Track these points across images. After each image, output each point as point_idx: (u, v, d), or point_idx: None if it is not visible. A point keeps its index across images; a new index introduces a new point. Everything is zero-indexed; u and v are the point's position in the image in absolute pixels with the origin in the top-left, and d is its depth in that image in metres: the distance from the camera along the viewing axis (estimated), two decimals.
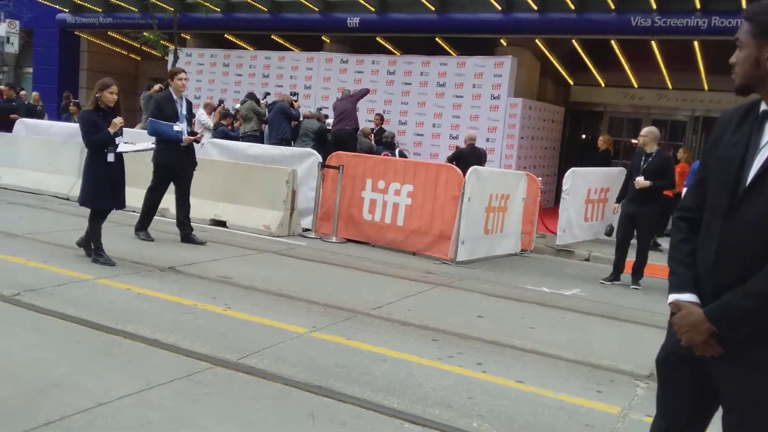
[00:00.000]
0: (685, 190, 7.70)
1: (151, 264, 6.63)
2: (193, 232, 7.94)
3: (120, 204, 6.57)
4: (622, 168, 10.82)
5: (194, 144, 7.89)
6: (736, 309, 1.92)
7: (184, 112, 7.67)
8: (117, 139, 6.36)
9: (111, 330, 4.55)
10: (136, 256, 6.82)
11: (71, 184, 10.72)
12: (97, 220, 6.46)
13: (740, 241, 1.94)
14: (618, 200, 8.23)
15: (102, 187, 6.37)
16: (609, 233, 8.66)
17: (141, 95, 14.09)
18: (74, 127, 12.06)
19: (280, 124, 12.46)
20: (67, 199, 10.43)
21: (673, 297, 2.07)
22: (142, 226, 7.81)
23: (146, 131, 7.99)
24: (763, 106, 2.00)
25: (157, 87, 13.23)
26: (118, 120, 6.34)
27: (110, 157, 6.35)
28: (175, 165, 7.67)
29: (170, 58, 16.19)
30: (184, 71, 7.84)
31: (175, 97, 7.64)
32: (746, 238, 1.93)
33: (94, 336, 4.44)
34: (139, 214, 7.89)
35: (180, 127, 7.54)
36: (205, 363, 4.10)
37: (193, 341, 4.47)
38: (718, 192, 2.01)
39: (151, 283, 5.93)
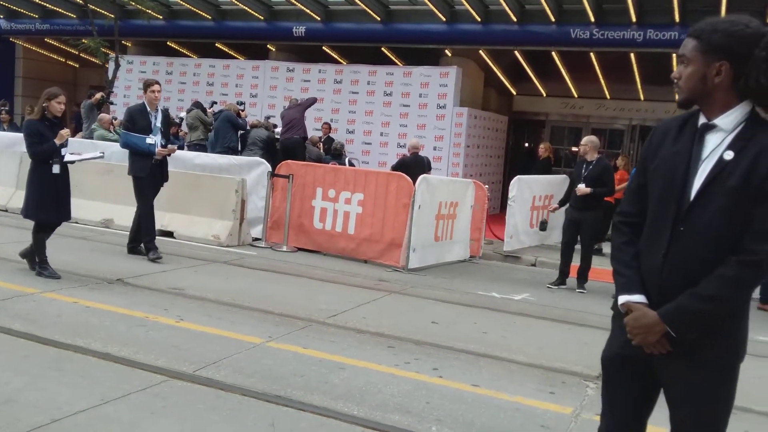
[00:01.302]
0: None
1: (98, 276, 6.47)
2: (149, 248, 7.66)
3: (65, 216, 6.39)
4: (565, 176, 11.14)
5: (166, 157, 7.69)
6: (689, 311, 2.01)
7: (159, 124, 7.45)
8: (63, 150, 6.20)
9: (61, 344, 4.43)
10: (82, 269, 6.65)
11: (10, 194, 10.35)
12: (41, 232, 6.28)
13: (689, 248, 2.03)
14: (560, 203, 8.49)
15: (47, 199, 6.19)
16: (543, 228, 9.00)
17: (81, 104, 13.70)
18: (12, 136, 11.69)
19: (226, 133, 12.32)
20: (6, 211, 10.07)
21: (624, 298, 2.14)
22: (147, 248, 7.54)
23: (94, 142, 7.78)
24: (702, 119, 2.10)
25: (98, 95, 12.89)
26: (65, 131, 6.19)
27: (55, 169, 6.18)
28: (147, 176, 7.48)
29: (111, 65, 15.82)
30: (157, 83, 7.58)
31: (149, 109, 7.46)
32: (695, 245, 2.03)
33: (44, 351, 4.32)
34: (129, 233, 7.81)
35: (153, 139, 7.33)
36: (160, 376, 4.04)
37: (147, 354, 4.39)
38: (664, 201, 2.10)
39: (100, 296, 5.79)
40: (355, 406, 3.84)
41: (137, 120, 7.45)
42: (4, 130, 14.17)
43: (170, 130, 8.03)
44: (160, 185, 7.74)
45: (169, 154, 7.69)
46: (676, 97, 2.15)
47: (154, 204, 7.68)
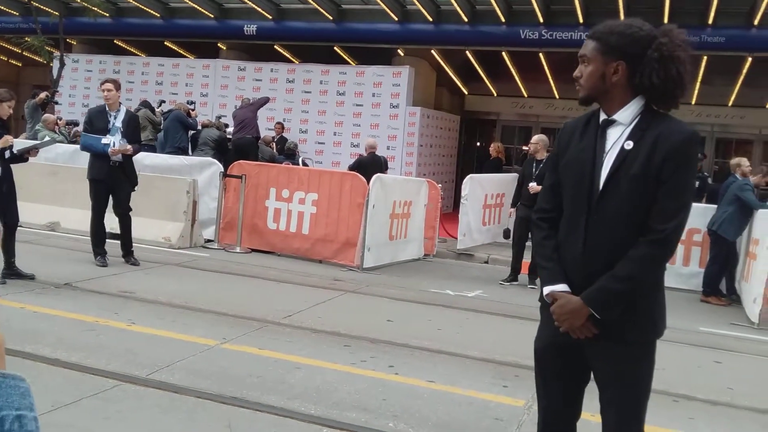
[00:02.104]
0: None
1: (45, 281, 6.31)
2: (131, 256, 7.52)
3: (9, 219, 6.20)
4: (516, 174, 11.32)
5: (130, 157, 7.34)
6: (609, 292, 2.16)
7: (119, 124, 7.15)
8: (6, 153, 6.02)
9: (8, 351, 4.24)
10: (27, 273, 6.46)
11: None
12: None
13: (604, 235, 2.19)
14: (512, 205, 8.61)
15: None
16: (507, 236, 9.06)
17: (25, 104, 13.30)
18: None
19: (176, 132, 12.12)
20: None
21: (548, 289, 2.26)
22: (96, 252, 7.29)
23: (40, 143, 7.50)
24: (602, 116, 2.27)
25: (43, 95, 12.53)
26: (9, 137, 6.01)
27: None
28: (104, 179, 7.20)
29: (55, 64, 15.40)
30: (107, 81, 7.27)
31: (108, 109, 7.23)
32: (609, 231, 2.19)
33: None
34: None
35: (109, 140, 7.07)
36: (113, 380, 3.97)
37: (97, 359, 4.32)
38: (577, 192, 2.25)
39: (47, 301, 5.65)
40: (312, 405, 3.85)
41: (95, 121, 7.27)
42: None
43: (137, 132, 7.59)
44: (126, 190, 7.39)
45: (131, 154, 7.31)
46: (578, 94, 2.31)
47: (129, 211, 7.49)
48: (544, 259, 2.33)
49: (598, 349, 2.23)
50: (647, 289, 2.21)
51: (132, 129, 7.36)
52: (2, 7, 17.40)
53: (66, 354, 4.35)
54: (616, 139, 2.21)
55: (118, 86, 7.28)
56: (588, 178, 2.21)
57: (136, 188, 7.51)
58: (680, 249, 8.73)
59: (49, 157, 9.90)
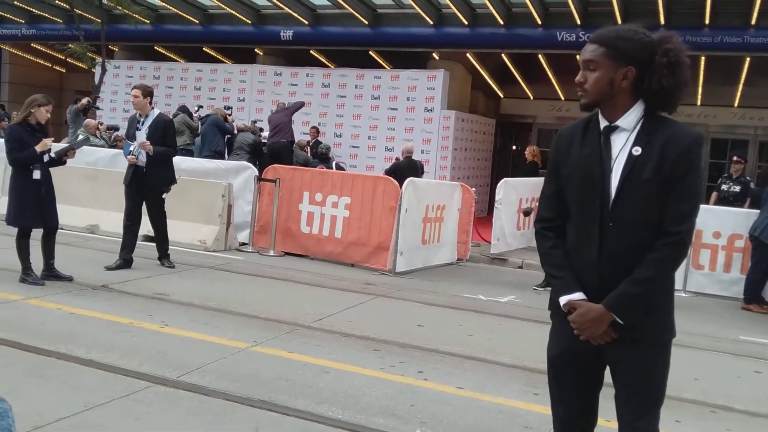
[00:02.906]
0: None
1: (83, 283, 6.45)
2: (166, 259, 7.59)
3: (48, 222, 6.34)
4: None
5: (155, 161, 7.22)
6: (631, 296, 2.17)
7: (144, 129, 7.21)
8: (45, 156, 6.17)
9: (44, 351, 4.41)
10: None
11: None
12: (24, 239, 6.25)
13: (621, 239, 2.19)
14: None
15: (28, 205, 6.17)
16: (527, 213, 8.99)
17: (67, 109, 13.64)
18: None
19: (213, 137, 12.32)
20: None
21: (565, 298, 2.25)
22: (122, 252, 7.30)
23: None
24: (602, 122, 2.26)
25: (84, 101, 12.85)
26: (48, 141, 6.16)
27: (36, 174, 6.16)
28: (131, 183, 7.27)
29: (97, 70, 15.76)
30: (134, 88, 7.41)
31: (138, 115, 7.36)
32: (626, 236, 2.19)
33: (27, 358, 4.30)
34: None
35: (133, 145, 7.21)
36: (144, 382, 4.03)
37: (130, 360, 4.38)
38: (586, 201, 2.24)
39: (84, 302, 5.77)
40: (340, 409, 3.85)
41: (129, 128, 7.55)
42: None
43: (169, 136, 7.46)
44: (158, 188, 7.37)
45: (146, 149, 7.15)
46: (580, 100, 2.28)
47: (160, 214, 7.49)
48: (555, 269, 2.32)
49: (618, 352, 2.24)
50: (663, 290, 2.24)
51: (159, 134, 7.26)
52: (47, 15, 17.92)
53: (100, 355, 4.43)
54: (623, 145, 2.22)
55: (146, 93, 7.31)
56: (599, 185, 2.21)
57: (166, 191, 7.47)
58: (721, 255, 8.51)
59: (89, 161, 10.13)
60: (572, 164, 2.28)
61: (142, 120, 7.33)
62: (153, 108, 7.47)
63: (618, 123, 2.23)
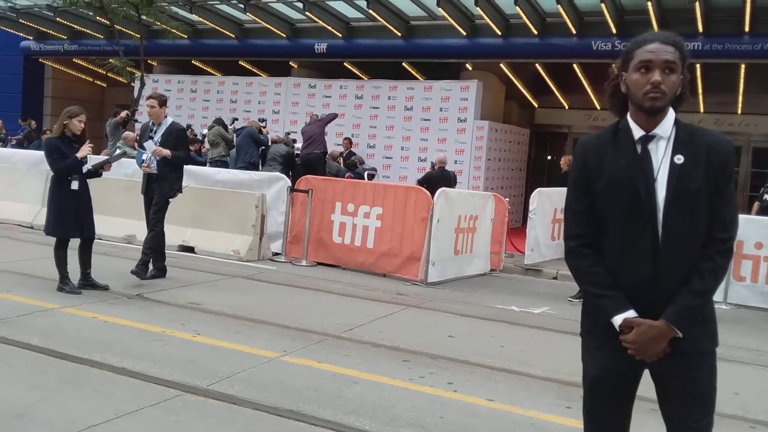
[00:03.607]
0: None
1: (119, 292, 6.55)
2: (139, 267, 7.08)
3: (86, 232, 6.47)
4: None
5: (167, 166, 7.17)
6: (692, 309, 2.13)
7: (157, 138, 7.23)
8: (83, 167, 6.31)
9: (77, 359, 4.48)
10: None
11: (35, 212, 10.55)
12: (61, 249, 6.38)
13: (676, 251, 2.13)
14: None
15: (66, 215, 6.30)
16: None
17: (107, 122, 13.96)
18: (37, 154, 11.91)
19: (248, 148, 12.48)
20: (31, 228, 10.25)
21: (621, 317, 2.15)
22: (153, 262, 7.35)
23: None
24: (637, 130, 2.18)
25: (123, 114, 13.13)
26: (86, 147, 6.29)
27: (74, 185, 6.29)
28: (144, 192, 7.37)
29: (137, 84, 16.09)
30: (150, 97, 7.45)
31: (152, 124, 7.41)
32: (680, 247, 2.13)
33: (60, 366, 4.37)
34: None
35: (146, 154, 7.23)
36: (174, 390, 4.06)
37: (162, 368, 4.42)
38: (633, 213, 2.15)
39: (119, 311, 5.86)
40: (368, 420, 3.81)
41: (142, 135, 7.57)
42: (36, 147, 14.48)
43: (181, 144, 7.42)
44: (153, 199, 7.27)
45: (161, 155, 7.07)
46: (655, 103, 2.16)
47: (156, 221, 7.27)
48: (599, 287, 2.21)
49: (666, 365, 2.17)
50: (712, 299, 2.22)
51: (172, 141, 7.21)
52: (88, 31, 18.39)
53: (132, 363, 4.47)
54: (663, 154, 2.17)
55: (161, 102, 7.32)
56: (646, 197, 2.13)
57: (172, 197, 7.32)
58: (764, 267, 8.26)
59: (127, 172, 10.31)
60: (608, 177, 2.19)
61: (155, 128, 7.34)
62: (166, 116, 7.45)
63: (657, 131, 2.17)
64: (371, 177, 13.18)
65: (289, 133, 14.09)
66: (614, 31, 13.01)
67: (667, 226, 2.12)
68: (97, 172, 6.50)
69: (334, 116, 13.28)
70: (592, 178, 2.23)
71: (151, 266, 7.29)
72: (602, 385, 2.28)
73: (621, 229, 2.19)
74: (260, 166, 12.46)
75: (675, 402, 2.21)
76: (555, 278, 9.77)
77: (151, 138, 7.25)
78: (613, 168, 2.19)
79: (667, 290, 2.13)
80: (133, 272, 6.93)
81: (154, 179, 7.24)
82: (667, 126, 2.18)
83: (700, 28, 12.35)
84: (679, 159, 2.14)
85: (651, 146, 2.18)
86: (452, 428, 3.80)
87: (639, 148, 2.18)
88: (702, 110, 15.73)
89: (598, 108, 17.39)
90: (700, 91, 14.95)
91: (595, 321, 2.27)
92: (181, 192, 7.48)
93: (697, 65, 13.50)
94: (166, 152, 7.11)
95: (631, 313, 2.15)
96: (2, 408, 3.60)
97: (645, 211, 2.13)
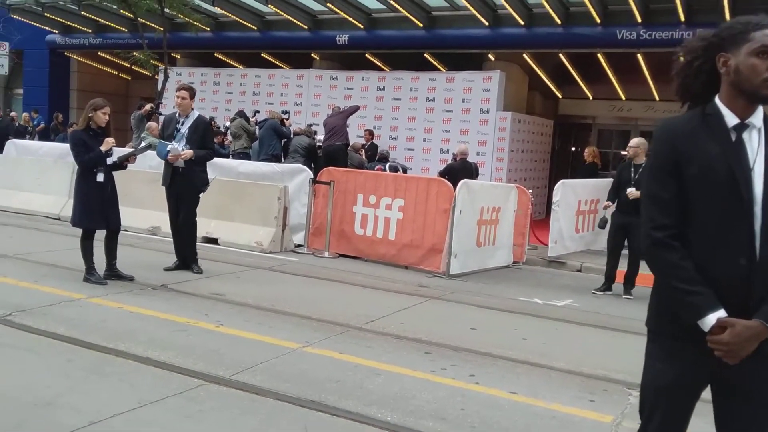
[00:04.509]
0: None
1: (144, 282, 6.62)
2: (195, 264, 7.39)
3: (111, 223, 6.53)
4: (612, 179, 10.89)
5: (194, 163, 7.15)
6: None
7: (184, 130, 7.17)
8: (108, 160, 6.37)
9: (103, 349, 4.54)
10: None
11: (62, 204, 10.70)
12: (87, 240, 6.46)
13: None
14: (609, 198, 8.11)
15: (92, 207, 6.36)
16: (602, 225, 8.63)
17: (131, 115, 14.09)
18: (64, 147, 12.07)
19: (271, 140, 12.52)
20: (58, 219, 10.41)
21: (713, 316, 2.01)
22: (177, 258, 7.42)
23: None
24: (731, 118, 2.08)
25: (148, 107, 13.24)
26: (110, 140, 6.35)
27: (99, 177, 6.36)
28: (170, 185, 7.28)
29: (160, 77, 16.23)
30: (182, 89, 7.34)
31: (178, 115, 7.34)
32: None
33: (86, 355, 4.43)
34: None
35: (173, 146, 7.17)
36: (197, 380, 4.09)
37: (185, 358, 4.46)
38: (728, 203, 2.03)
39: (143, 301, 5.92)
40: (389, 412, 3.81)
41: (166, 127, 7.49)
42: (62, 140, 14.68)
43: (207, 137, 7.39)
44: (189, 198, 7.29)
45: (191, 160, 7.09)
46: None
47: (191, 217, 7.34)
48: (689, 283, 2.03)
49: (747, 368, 2.04)
50: None
51: (199, 135, 7.18)
52: (113, 25, 18.57)
53: (156, 353, 4.52)
54: (758, 144, 2.06)
55: (192, 94, 7.31)
56: (745, 187, 2.02)
57: (203, 191, 7.38)
58: None
59: (152, 164, 10.39)
60: (701, 164, 2.05)
61: (182, 120, 7.26)
62: (193, 109, 7.38)
63: (751, 120, 2.08)
64: (394, 170, 13.16)
65: (311, 125, 14.11)
66: (639, 20, 12.82)
67: (765, 220, 2.01)
68: (122, 164, 6.56)
69: (356, 108, 13.27)
70: (683, 164, 2.09)
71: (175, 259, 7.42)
72: (674, 393, 2.15)
73: (713, 221, 2.06)
74: (282, 159, 12.49)
75: (752, 407, 2.09)
76: (579, 270, 9.68)
77: (177, 130, 7.22)
78: (706, 155, 2.07)
79: (761, 288, 2.00)
80: (195, 272, 7.27)
81: (180, 173, 7.19)
82: (759, 115, 2.08)
83: (727, 17, 12.10)
84: None
85: (744, 135, 2.08)
86: (474, 420, 3.78)
87: (733, 136, 2.07)
88: None
89: (624, 98, 17.19)
90: None
91: (675, 321, 2.11)
92: (208, 185, 7.47)
93: None
94: (188, 154, 7.08)
95: (722, 312, 2.01)
96: (32, 396, 3.66)
97: (743, 202, 2.02)
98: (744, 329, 1.97)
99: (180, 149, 7.11)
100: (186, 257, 7.40)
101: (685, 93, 2.21)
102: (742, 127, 2.07)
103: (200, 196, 7.40)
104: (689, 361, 2.10)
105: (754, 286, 2.00)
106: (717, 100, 2.13)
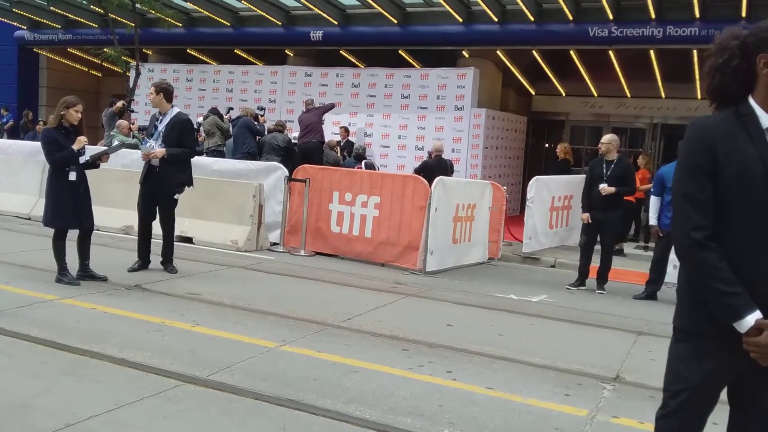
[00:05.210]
0: (653, 198, 7.73)
1: (117, 283, 6.55)
2: (169, 264, 7.30)
3: (84, 223, 6.45)
4: (584, 176, 11.01)
5: (170, 161, 7.00)
6: None
7: (161, 128, 7.07)
8: (80, 158, 6.29)
9: (77, 350, 4.49)
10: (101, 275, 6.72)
11: (32, 203, 10.53)
12: (60, 240, 6.37)
13: None
14: (584, 209, 8.01)
15: (64, 206, 6.27)
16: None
17: (103, 112, 13.89)
18: (34, 145, 11.86)
19: (245, 138, 12.41)
20: (29, 219, 10.24)
21: (752, 317, 2.01)
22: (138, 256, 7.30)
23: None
24: (766, 120, 2.09)
25: (120, 104, 13.06)
26: (82, 138, 6.27)
27: (72, 176, 6.27)
28: (144, 182, 7.16)
29: (132, 73, 16.02)
30: (152, 86, 7.29)
31: (158, 113, 7.24)
32: None
33: (60, 357, 4.38)
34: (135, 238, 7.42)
35: (148, 143, 7.09)
36: (174, 380, 4.07)
37: (161, 359, 4.43)
38: (764, 204, 2.05)
39: (117, 302, 5.86)
40: (367, 409, 3.83)
41: (148, 126, 7.49)
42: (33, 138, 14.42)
43: (185, 136, 7.17)
44: (164, 195, 7.16)
45: (164, 158, 6.97)
46: None
47: (168, 218, 7.24)
48: (728, 284, 2.04)
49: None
50: None
51: (175, 133, 7.04)
52: (83, 20, 18.28)
53: (132, 354, 4.48)
54: None
55: (158, 90, 7.13)
56: None
57: (178, 193, 7.21)
58: None
59: (124, 162, 10.29)
60: (741, 164, 2.06)
61: (160, 118, 7.16)
62: (173, 106, 7.23)
63: None
64: (369, 167, 13.16)
65: (279, 122, 13.96)
66: (611, 17, 12.97)
67: None
68: (94, 163, 6.48)
69: (332, 106, 13.25)
70: (721, 165, 2.08)
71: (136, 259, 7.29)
72: (707, 391, 2.17)
73: (749, 223, 2.07)
74: (258, 157, 12.41)
75: (756, 412, 2.15)
76: (553, 266, 9.80)
77: (156, 128, 7.15)
78: (743, 156, 2.07)
79: None
80: (170, 271, 7.20)
81: (155, 173, 7.08)
82: None
83: (697, 14, 12.31)
84: None
85: None
86: (451, 416, 3.82)
87: None
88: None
89: (596, 95, 17.39)
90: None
91: (709, 321, 2.11)
92: (190, 185, 7.31)
93: (694, 51, 13.47)
94: (159, 152, 6.95)
95: (759, 314, 2.01)
96: (7, 398, 3.61)
97: None
98: None
99: (155, 147, 7.01)
100: (163, 256, 7.31)
101: (720, 93, 2.19)
102: None
103: (177, 197, 7.22)
104: (719, 362, 2.11)
105: None
106: (751, 100, 2.13)
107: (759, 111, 2.10)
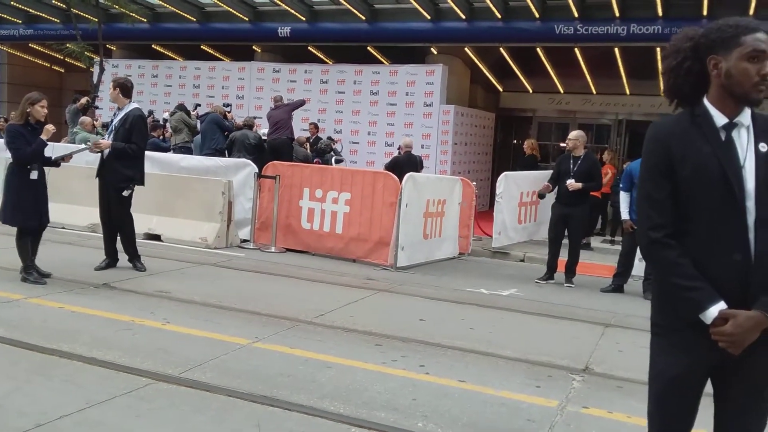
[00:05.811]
0: (622, 194, 7.82)
1: (84, 281, 6.45)
2: (137, 261, 7.19)
3: (45, 220, 6.37)
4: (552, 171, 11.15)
5: (114, 156, 6.87)
6: None
7: (116, 122, 7.01)
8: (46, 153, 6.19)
9: (46, 350, 4.41)
10: (68, 274, 6.61)
11: None
12: (24, 238, 6.25)
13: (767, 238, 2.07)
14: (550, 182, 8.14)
15: (26, 204, 6.17)
16: (542, 196, 8.73)
17: (66, 108, 13.63)
18: None
19: (213, 134, 12.30)
20: None
21: (715, 309, 2.06)
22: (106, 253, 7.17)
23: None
24: (720, 118, 2.14)
25: (83, 100, 12.83)
26: (50, 126, 6.16)
27: (33, 175, 6.17)
28: (98, 176, 7.12)
29: (96, 69, 15.74)
30: (112, 81, 7.23)
31: (117, 108, 7.17)
32: None
33: (29, 356, 4.30)
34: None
35: (101, 138, 7.10)
36: (146, 379, 4.03)
37: (132, 357, 4.38)
38: (722, 201, 2.09)
39: (85, 301, 5.77)
40: (342, 404, 3.84)
41: (110, 122, 7.38)
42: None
43: (135, 131, 6.94)
44: (109, 192, 7.03)
45: (101, 148, 6.92)
46: (761, 95, 2.12)
47: (120, 213, 7.08)
48: (689, 279, 2.09)
49: (750, 356, 2.09)
50: None
51: (125, 128, 6.90)
52: (44, 15, 17.89)
53: (101, 353, 4.42)
54: (747, 142, 2.12)
55: (115, 85, 7.03)
56: (737, 184, 2.08)
57: (127, 190, 7.00)
58: None
59: (89, 160, 10.05)
60: (694, 164, 2.11)
61: (117, 113, 7.09)
62: (131, 102, 7.12)
63: (739, 119, 2.13)
64: (338, 162, 13.14)
65: (250, 119, 13.90)
66: (576, 15, 13.15)
67: (758, 214, 2.07)
68: (56, 162, 6.39)
69: (302, 102, 13.19)
70: (677, 164, 2.13)
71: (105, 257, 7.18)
72: (683, 385, 2.21)
73: (708, 219, 2.12)
74: (227, 154, 12.30)
75: (750, 393, 2.17)
76: (522, 260, 9.92)
77: (112, 122, 7.08)
78: (698, 154, 2.12)
79: (759, 280, 2.06)
80: (138, 269, 7.09)
81: (104, 166, 7.00)
82: (747, 114, 2.14)
83: (659, 12, 12.55)
84: (764, 147, 2.10)
85: (734, 134, 2.13)
86: (425, 410, 3.85)
87: (723, 136, 2.13)
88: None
89: (562, 92, 17.62)
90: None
91: (675, 316, 2.17)
92: (141, 183, 7.14)
93: (657, 49, 13.72)
94: (104, 144, 6.89)
95: (723, 305, 2.06)
96: None
97: (736, 199, 2.08)
98: (746, 319, 2.03)
99: (94, 142, 6.97)
100: (127, 254, 7.19)
101: (675, 93, 2.24)
102: (731, 126, 2.13)
103: (128, 194, 7.02)
104: (695, 353, 2.15)
105: (751, 280, 2.06)
106: (705, 100, 2.18)
107: (713, 110, 2.15)
